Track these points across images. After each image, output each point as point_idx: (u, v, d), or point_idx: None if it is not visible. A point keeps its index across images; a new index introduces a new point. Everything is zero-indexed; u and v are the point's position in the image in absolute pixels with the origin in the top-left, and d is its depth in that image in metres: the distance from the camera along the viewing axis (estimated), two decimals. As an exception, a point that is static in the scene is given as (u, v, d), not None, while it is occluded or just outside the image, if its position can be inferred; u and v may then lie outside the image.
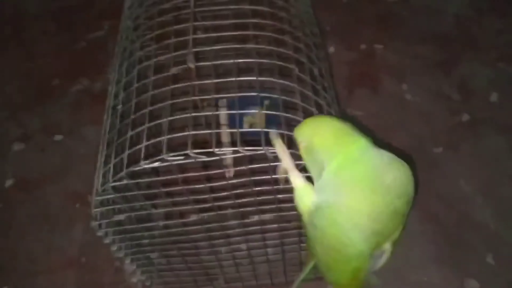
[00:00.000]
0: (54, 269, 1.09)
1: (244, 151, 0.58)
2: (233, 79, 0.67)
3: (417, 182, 0.58)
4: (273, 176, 0.63)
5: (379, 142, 0.57)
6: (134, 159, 0.62)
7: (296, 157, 0.60)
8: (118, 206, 0.67)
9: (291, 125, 0.61)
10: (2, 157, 1.30)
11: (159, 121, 0.62)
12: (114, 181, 0.61)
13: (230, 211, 0.72)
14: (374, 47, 1.36)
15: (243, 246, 0.82)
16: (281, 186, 0.65)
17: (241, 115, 0.84)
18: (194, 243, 0.79)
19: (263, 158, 0.60)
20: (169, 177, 0.62)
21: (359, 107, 1.25)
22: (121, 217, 0.68)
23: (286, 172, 0.61)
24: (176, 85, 0.66)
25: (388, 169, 0.54)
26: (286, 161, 0.60)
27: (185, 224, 0.73)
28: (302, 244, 0.83)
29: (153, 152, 0.61)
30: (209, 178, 0.66)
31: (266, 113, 0.63)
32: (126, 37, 0.85)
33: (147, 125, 0.63)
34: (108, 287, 1.04)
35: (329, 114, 0.69)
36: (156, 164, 0.58)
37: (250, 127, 1.01)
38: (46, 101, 1.42)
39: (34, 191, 1.23)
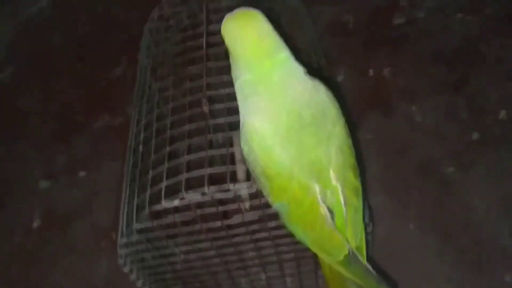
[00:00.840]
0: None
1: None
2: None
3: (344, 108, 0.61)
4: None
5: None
6: (155, 198, 0.66)
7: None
8: (142, 245, 0.71)
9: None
10: (29, 196, 1.36)
11: (177, 160, 0.67)
12: (137, 223, 0.65)
13: (247, 244, 0.76)
14: (383, 71, 1.39)
15: (262, 276, 0.85)
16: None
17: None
18: (215, 274, 0.83)
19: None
20: (187, 212, 0.66)
21: (371, 130, 1.28)
22: (145, 255, 0.72)
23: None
24: (192, 124, 0.71)
25: (296, 82, 0.56)
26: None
27: (204, 258, 0.77)
28: (319, 272, 0.86)
29: (173, 190, 0.65)
30: (225, 213, 0.69)
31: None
32: (144, 79, 0.90)
33: (166, 165, 0.68)
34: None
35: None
36: (175, 203, 0.62)
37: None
38: (69, 138, 1.48)
39: (60, 229, 1.28)
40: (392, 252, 1.06)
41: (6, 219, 1.33)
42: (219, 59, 0.76)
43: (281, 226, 0.71)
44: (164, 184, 0.64)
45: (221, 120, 0.72)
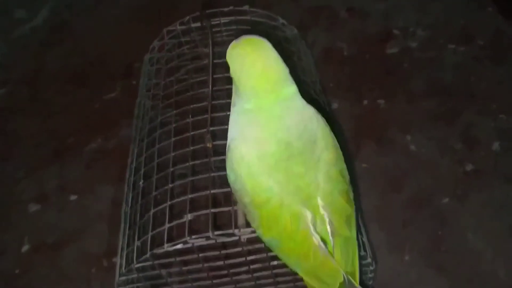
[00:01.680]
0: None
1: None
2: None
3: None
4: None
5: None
6: (158, 237, 0.65)
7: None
8: (141, 284, 0.70)
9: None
10: (18, 219, 1.33)
11: (180, 199, 0.66)
12: (139, 263, 0.64)
13: (248, 282, 0.75)
14: (377, 100, 1.40)
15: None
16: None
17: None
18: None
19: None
20: (190, 257, 0.65)
21: (366, 160, 1.28)
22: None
23: None
24: (195, 162, 0.70)
25: (295, 114, 0.56)
26: None
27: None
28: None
29: (173, 227, 0.64)
30: (227, 256, 0.69)
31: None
32: (143, 110, 0.89)
33: (168, 202, 0.67)
34: None
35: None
36: (178, 246, 0.62)
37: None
38: (61, 160, 1.46)
39: (50, 254, 1.25)
40: (387, 283, 1.05)
41: (-6, 242, 1.30)
42: (221, 98, 0.76)
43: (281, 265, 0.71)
44: (166, 226, 0.63)
45: (224, 157, 0.71)
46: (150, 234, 0.65)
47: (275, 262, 0.70)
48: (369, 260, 0.73)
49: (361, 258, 0.72)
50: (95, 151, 1.47)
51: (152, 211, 0.66)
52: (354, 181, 0.62)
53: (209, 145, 0.71)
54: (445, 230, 1.13)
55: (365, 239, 0.76)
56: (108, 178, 1.39)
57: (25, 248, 1.28)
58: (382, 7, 1.71)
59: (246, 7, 0.93)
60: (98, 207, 1.33)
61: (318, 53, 1.57)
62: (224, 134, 0.77)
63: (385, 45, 1.57)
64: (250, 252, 0.68)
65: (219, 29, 0.89)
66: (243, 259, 0.67)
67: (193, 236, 0.61)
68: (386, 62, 1.52)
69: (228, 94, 0.83)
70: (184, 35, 0.92)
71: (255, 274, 0.71)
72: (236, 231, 0.60)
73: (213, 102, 0.73)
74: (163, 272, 0.68)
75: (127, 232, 0.72)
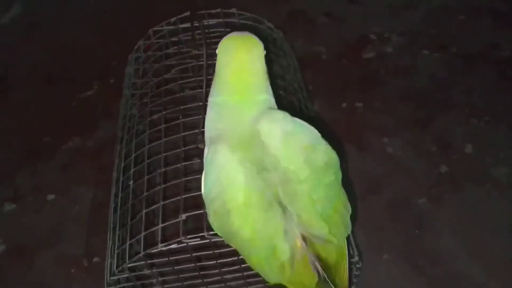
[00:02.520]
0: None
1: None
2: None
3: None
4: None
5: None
6: (148, 237, 0.65)
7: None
8: (131, 284, 0.70)
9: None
10: (-7, 219, 1.31)
11: (174, 199, 0.67)
12: (131, 262, 0.64)
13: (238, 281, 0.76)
14: (355, 105, 1.44)
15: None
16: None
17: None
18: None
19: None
20: (182, 256, 0.66)
21: (345, 162, 1.31)
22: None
23: None
24: (187, 163, 0.71)
25: (267, 122, 0.55)
26: None
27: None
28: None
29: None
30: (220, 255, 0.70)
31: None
32: (129, 111, 0.89)
33: (161, 202, 0.67)
34: None
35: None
36: (173, 245, 0.62)
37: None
38: (37, 160, 1.43)
39: (27, 256, 1.22)
40: (367, 282, 1.08)
41: (-32, 243, 1.26)
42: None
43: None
44: (160, 225, 0.63)
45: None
46: (143, 234, 0.65)
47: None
48: (356, 258, 0.75)
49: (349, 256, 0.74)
50: (72, 150, 1.45)
51: (144, 211, 0.66)
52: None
53: (201, 146, 0.72)
54: (421, 229, 1.17)
55: (351, 238, 0.78)
56: (85, 178, 1.37)
57: (1, 248, 1.25)
58: (358, 12, 1.75)
59: (233, 10, 0.94)
60: (76, 208, 1.31)
61: (297, 57, 1.59)
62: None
63: (362, 49, 1.61)
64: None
65: (206, 30, 0.89)
66: (236, 258, 0.68)
67: (188, 236, 0.61)
68: (363, 67, 1.56)
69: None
70: (171, 35, 0.92)
71: (245, 273, 0.72)
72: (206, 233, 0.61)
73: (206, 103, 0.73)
74: (154, 271, 0.68)
75: (117, 232, 0.71)
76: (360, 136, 1.37)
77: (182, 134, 0.73)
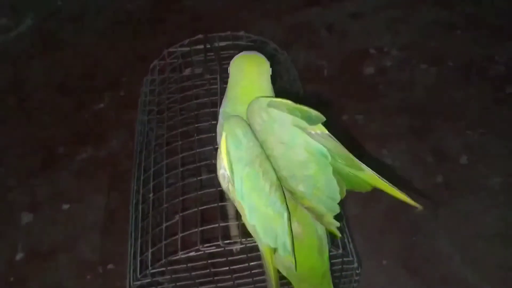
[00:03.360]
0: None
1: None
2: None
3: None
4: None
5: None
6: (167, 245, 0.72)
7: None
8: None
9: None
10: (12, 229, 1.37)
11: (190, 211, 0.74)
12: (154, 268, 0.71)
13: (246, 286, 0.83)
14: (355, 117, 1.51)
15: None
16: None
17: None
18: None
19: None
20: (199, 263, 0.73)
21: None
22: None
23: None
24: (202, 177, 0.78)
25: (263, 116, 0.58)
26: None
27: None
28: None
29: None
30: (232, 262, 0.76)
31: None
32: (145, 128, 0.96)
33: (180, 214, 0.74)
34: None
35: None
36: (192, 253, 0.69)
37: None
38: (51, 169, 1.50)
39: (45, 262, 1.29)
40: (367, 285, 1.15)
41: (-12, 250, 1.33)
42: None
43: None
44: (179, 235, 0.70)
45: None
46: (163, 242, 0.71)
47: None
48: (355, 265, 0.81)
49: (348, 263, 0.81)
50: (85, 160, 1.52)
51: (165, 224, 0.73)
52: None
53: (214, 161, 0.78)
54: (418, 236, 1.23)
55: (351, 246, 0.85)
56: (99, 187, 1.44)
57: (19, 256, 1.31)
58: (359, 26, 1.83)
59: (242, 33, 1.01)
60: (91, 216, 1.38)
61: (300, 70, 1.66)
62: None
63: (362, 63, 1.68)
64: (252, 259, 0.76)
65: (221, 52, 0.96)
66: (246, 264, 0.75)
67: (205, 245, 0.68)
68: (364, 80, 1.63)
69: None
70: (183, 57, 1.00)
71: (255, 278, 0.79)
72: (243, 240, 0.68)
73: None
74: (174, 276, 0.75)
75: (139, 240, 0.78)
76: (360, 147, 1.44)
77: (197, 150, 0.80)
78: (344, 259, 0.79)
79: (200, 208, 0.72)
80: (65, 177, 1.48)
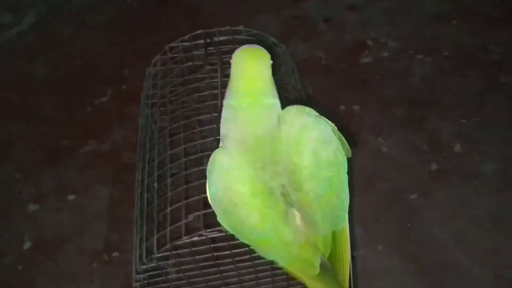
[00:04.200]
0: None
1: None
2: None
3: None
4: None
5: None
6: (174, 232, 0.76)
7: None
8: (157, 272, 0.80)
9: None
10: (19, 218, 1.41)
11: (194, 199, 0.77)
12: (159, 253, 0.75)
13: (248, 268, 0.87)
14: (353, 107, 1.54)
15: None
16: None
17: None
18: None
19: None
20: (202, 247, 0.77)
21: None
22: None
23: None
24: (204, 167, 0.81)
25: (268, 118, 0.63)
26: None
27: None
28: None
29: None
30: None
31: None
32: (150, 122, 1.00)
33: (184, 201, 0.78)
34: None
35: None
36: (195, 238, 0.73)
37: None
38: (56, 162, 1.54)
39: (52, 251, 1.33)
40: (363, 271, 1.19)
41: (-3, 239, 1.37)
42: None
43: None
44: (183, 221, 0.74)
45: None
46: (168, 228, 0.75)
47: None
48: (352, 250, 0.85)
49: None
50: (89, 153, 1.56)
51: (169, 208, 0.77)
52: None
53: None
54: (413, 223, 1.28)
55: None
56: (103, 179, 1.48)
57: (26, 245, 1.36)
58: (356, 18, 1.86)
59: (241, 27, 1.04)
60: (96, 206, 1.42)
61: (298, 61, 1.69)
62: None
63: (360, 54, 1.71)
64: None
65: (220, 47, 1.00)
66: (247, 249, 0.79)
67: (208, 230, 0.72)
68: (361, 71, 1.66)
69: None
70: (185, 51, 1.03)
71: (255, 262, 0.83)
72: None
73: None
74: (178, 260, 0.79)
75: (144, 227, 0.82)
76: (358, 136, 1.48)
77: (199, 141, 0.83)
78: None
79: (202, 196, 0.76)
80: (70, 169, 1.52)
